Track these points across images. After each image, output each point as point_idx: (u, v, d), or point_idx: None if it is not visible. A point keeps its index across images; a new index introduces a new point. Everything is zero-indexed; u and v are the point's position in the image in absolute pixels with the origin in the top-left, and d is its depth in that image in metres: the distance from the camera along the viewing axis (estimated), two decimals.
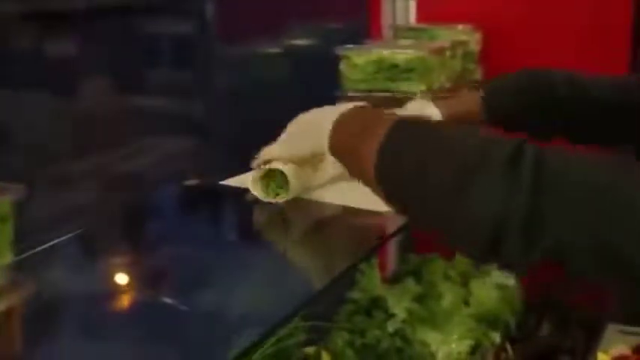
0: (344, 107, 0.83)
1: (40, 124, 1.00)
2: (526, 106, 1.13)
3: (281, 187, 1.05)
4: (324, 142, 0.82)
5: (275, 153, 1.03)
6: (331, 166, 1.02)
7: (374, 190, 0.76)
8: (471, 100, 1.13)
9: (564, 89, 1.12)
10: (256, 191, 1.06)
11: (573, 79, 1.13)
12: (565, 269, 0.67)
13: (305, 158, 1.00)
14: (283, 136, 1.01)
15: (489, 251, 0.68)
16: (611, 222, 0.63)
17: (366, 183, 0.76)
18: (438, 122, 0.79)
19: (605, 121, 1.11)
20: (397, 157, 0.72)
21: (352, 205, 1.04)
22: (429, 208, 0.71)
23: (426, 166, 0.70)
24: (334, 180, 1.10)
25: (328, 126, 0.82)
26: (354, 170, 0.79)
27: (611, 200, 0.64)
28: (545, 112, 1.12)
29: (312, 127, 0.88)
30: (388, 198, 0.75)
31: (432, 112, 1.09)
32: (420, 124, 0.78)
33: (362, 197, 0.84)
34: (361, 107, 0.84)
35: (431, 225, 0.74)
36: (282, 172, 1.04)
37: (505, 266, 0.69)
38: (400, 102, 1.27)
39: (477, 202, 0.66)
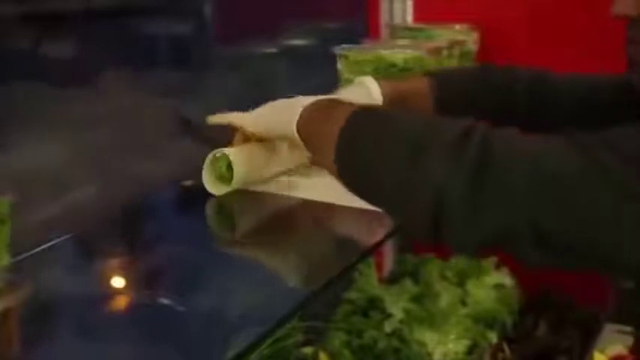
0: (317, 97, 0.88)
1: (38, 124, 1.00)
2: (477, 94, 1.08)
3: (227, 173, 1.07)
4: (293, 124, 0.87)
5: (243, 121, 1.04)
6: (288, 156, 1.10)
7: (332, 172, 0.79)
8: (419, 81, 1.09)
9: (523, 84, 1.08)
10: (206, 176, 1.07)
11: (538, 77, 1.10)
12: (511, 254, 0.67)
13: (269, 137, 1.02)
14: (256, 110, 1.02)
15: (432, 231, 0.68)
16: (550, 208, 0.63)
17: (326, 165, 0.80)
18: (398, 109, 0.82)
19: (563, 119, 1.07)
20: (355, 139, 0.76)
21: (340, 203, 1.04)
22: (382, 185, 0.73)
23: (381, 145, 0.73)
24: (288, 172, 1.13)
25: (299, 110, 0.87)
26: (317, 152, 0.84)
27: (553, 187, 0.63)
28: (497, 103, 1.08)
29: (286, 109, 0.91)
30: (345, 177, 0.78)
31: (372, 87, 1.06)
32: (379, 110, 0.82)
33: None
34: (331, 97, 0.90)
35: (382, 203, 0.76)
36: (228, 160, 1.05)
37: (453, 249, 0.69)
38: None
39: (422, 178, 0.68)
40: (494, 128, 0.69)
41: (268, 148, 1.08)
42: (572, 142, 0.66)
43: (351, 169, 0.77)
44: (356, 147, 0.76)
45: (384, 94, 1.05)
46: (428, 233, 0.69)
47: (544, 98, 1.08)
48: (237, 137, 1.07)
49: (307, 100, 0.88)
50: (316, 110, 0.86)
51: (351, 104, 0.81)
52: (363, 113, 0.78)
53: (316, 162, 0.88)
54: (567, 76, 1.11)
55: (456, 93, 1.08)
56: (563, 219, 0.63)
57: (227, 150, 1.06)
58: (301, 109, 0.87)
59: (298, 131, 0.87)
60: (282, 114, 0.92)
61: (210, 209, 1.07)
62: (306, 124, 0.86)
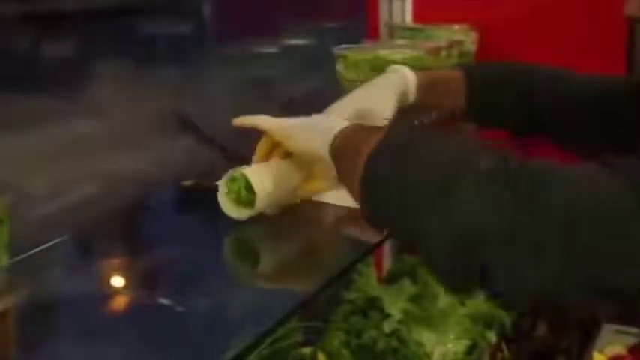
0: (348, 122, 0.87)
1: (39, 124, 1.00)
2: (505, 97, 1.12)
3: (246, 195, 0.97)
4: (327, 143, 0.85)
5: (270, 126, 0.98)
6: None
7: (357, 200, 0.76)
8: (451, 70, 1.15)
9: (544, 86, 1.11)
10: (222, 198, 0.98)
11: (557, 77, 1.13)
12: (555, 301, 0.65)
13: (295, 151, 0.96)
14: (286, 120, 0.98)
15: (465, 272, 0.65)
16: (592, 246, 0.59)
17: (353, 193, 0.77)
18: (427, 132, 0.79)
19: (584, 121, 1.09)
20: (381, 169, 0.73)
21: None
22: (408, 219, 0.69)
23: (408, 179, 0.69)
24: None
25: (333, 133, 0.85)
26: (347, 182, 0.81)
27: (597, 230, 0.59)
28: (522, 106, 1.12)
29: (319, 130, 0.89)
30: (371, 210, 0.75)
31: (407, 73, 1.10)
32: (410, 135, 0.77)
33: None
34: (361, 124, 0.88)
35: (408, 238, 0.72)
36: (247, 180, 0.96)
37: (492, 295, 0.65)
38: None
39: (455, 214, 0.64)
40: (528, 161, 0.65)
41: (290, 166, 1.00)
42: (617, 174, 0.61)
43: (377, 204, 0.74)
44: (381, 182, 0.73)
45: (418, 80, 1.09)
46: (457, 272, 0.65)
47: (563, 89, 1.11)
48: (262, 142, 1.02)
49: (342, 124, 0.86)
50: (348, 136, 0.84)
51: (381, 129, 0.80)
52: (392, 139, 0.75)
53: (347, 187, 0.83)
54: (586, 76, 1.13)
55: (484, 83, 1.12)
56: (611, 259, 0.59)
57: (246, 170, 0.97)
58: (335, 132, 0.85)
59: (331, 152, 0.84)
60: (315, 133, 0.89)
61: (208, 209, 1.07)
62: (338, 148, 0.84)
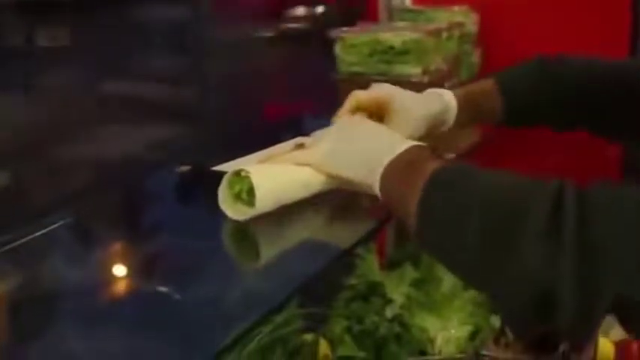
0: (399, 143, 0.82)
1: (35, 109, 0.98)
2: (541, 95, 1.08)
3: (246, 195, 0.93)
4: (374, 181, 0.81)
5: (316, 158, 0.94)
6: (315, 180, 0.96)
7: (414, 235, 0.74)
8: (485, 83, 1.10)
9: (581, 78, 1.08)
10: (223, 196, 0.94)
11: (590, 66, 1.09)
12: (631, 329, 0.63)
13: (337, 183, 0.93)
14: (328, 145, 0.94)
15: (540, 318, 0.62)
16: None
17: (410, 227, 0.74)
18: (475, 170, 0.73)
19: (623, 110, 1.06)
20: (434, 212, 0.70)
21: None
22: (469, 268, 0.68)
23: (462, 225, 0.66)
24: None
25: (382, 164, 0.81)
26: (399, 213, 0.78)
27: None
28: (560, 101, 1.08)
29: (366, 158, 0.84)
30: (427, 245, 0.73)
31: (447, 96, 1.05)
32: (456, 174, 0.73)
33: None
34: (416, 148, 0.82)
35: (473, 284, 0.71)
36: (250, 182, 0.92)
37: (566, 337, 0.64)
38: (396, 84, 1.25)
39: (518, 265, 0.61)
40: (584, 190, 0.63)
41: (294, 170, 0.96)
42: None
43: (432, 238, 0.72)
44: (436, 214, 0.70)
45: (457, 98, 1.05)
46: (534, 320, 0.63)
47: (596, 85, 1.07)
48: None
49: (391, 149, 0.81)
50: (398, 169, 0.79)
51: (434, 160, 0.76)
52: (441, 179, 0.72)
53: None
54: (611, 63, 1.09)
55: (519, 89, 1.08)
56: None
57: (251, 169, 0.93)
58: (385, 162, 0.80)
59: (382, 192, 0.81)
60: (361, 164, 0.85)
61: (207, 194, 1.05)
62: (388, 183, 0.80)
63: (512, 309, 0.64)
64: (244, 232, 0.96)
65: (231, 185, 0.94)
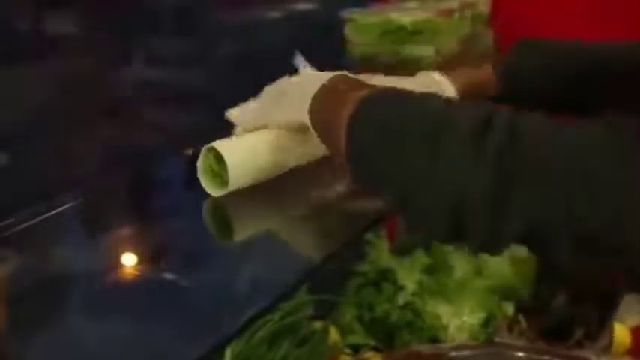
0: (325, 76, 0.81)
1: (41, 92, 0.97)
2: (545, 78, 1.05)
3: (220, 171, 0.93)
4: (304, 115, 0.81)
5: (246, 117, 0.96)
6: (296, 148, 0.95)
7: (344, 164, 0.73)
8: (482, 69, 1.07)
9: (571, 54, 1.05)
10: (200, 174, 0.94)
11: (579, 47, 1.06)
12: (541, 258, 0.62)
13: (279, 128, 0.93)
14: (259, 101, 0.96)
15: (453, 232, 0.62)
16: (588, 204, 0.56)
17: (339, 156, 0.74)
18: (407, 91, 0.73)
19: (621, 87, 1.04)
20: (364, 130, 0.70)
21: None
22: (393, 179, 0.67)
23: (393, 133, 0.67)
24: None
25: (309, 98, 0.81)
26: (331, 147, 0.78)
27: (591, 180, 0.57)
28: (557, 85, 1.04)
29: (294, 97, 0.85)
30: (355, 169, 0.72)
31: (446, 86, 1.02)
32: (391, 93, 0.74)
33: None
34: (341, 77, 0.81)
35: (396, 201, 0.69)
36: (220, 155, 0.91)
37: (475, 250, 0.63)
38: (408, 66, 1.23)
39: (439, 171, 0.62)
40: (519, 113, 0.63)
41: (271, 139, 0.94)
42: (611, 130, 0.59)
43: (361, 160, 0.71)
44: (366, 136, 0.70)
45: (457, 86, 1.03)
46: (447, 233, 0.63)
47: (591, 68, 1.03)
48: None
49: (316, 83, 0.81)
50: (326, 97, 0.79)
51: (361, 85, 0.76)
52: (374, 97, 0.72)
53: (330, 153, 0.81)
54: (600, 45, 1.06)
55: (514, 72, 1.06)
56: (606, 216, 0.56)
57: (217, 144, 0.92)
58: (311, 95, 0.80)
59: (312, 125, 0.81)
60: (290, 103, 0.86)
61: None
62: (318, 116, 0.80)
63: (426, 220, 0.64)
64: (252, 217, 0.94)
65: (204, 163, 0.93)
